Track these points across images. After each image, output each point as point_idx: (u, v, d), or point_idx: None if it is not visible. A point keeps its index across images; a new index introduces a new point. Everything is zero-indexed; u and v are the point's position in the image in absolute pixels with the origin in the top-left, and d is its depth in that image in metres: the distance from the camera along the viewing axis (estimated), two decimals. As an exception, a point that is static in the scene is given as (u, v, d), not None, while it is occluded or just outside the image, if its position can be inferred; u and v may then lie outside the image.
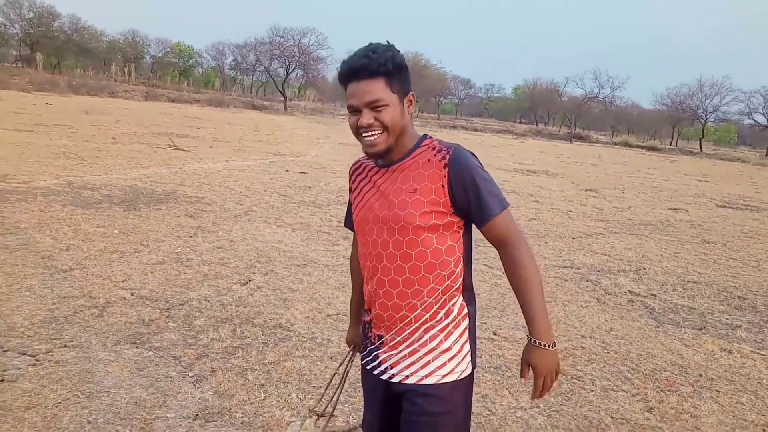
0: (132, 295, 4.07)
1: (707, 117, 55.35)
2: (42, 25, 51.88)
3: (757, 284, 6.10)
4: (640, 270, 6.26)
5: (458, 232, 1.54)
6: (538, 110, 71.92)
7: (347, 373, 1.93)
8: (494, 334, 4.04)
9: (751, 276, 6.46)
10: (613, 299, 5.15)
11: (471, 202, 1.48)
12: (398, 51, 1.53)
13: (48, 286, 4.04)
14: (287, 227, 6.63)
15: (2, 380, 2.80)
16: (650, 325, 4.58)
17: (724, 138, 76.10)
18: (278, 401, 2.89)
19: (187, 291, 4.26)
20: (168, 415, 2.67)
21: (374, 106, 1.47)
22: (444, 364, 1.54)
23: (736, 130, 76.35)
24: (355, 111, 1.50)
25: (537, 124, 68.03)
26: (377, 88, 1.47)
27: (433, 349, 1.54)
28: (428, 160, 1.50)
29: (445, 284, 1.54)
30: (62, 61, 54.64)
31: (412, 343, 1.55)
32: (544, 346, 1.47)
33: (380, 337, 1.62)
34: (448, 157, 1.48)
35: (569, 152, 30.20)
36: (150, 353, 3.25)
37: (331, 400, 1.94)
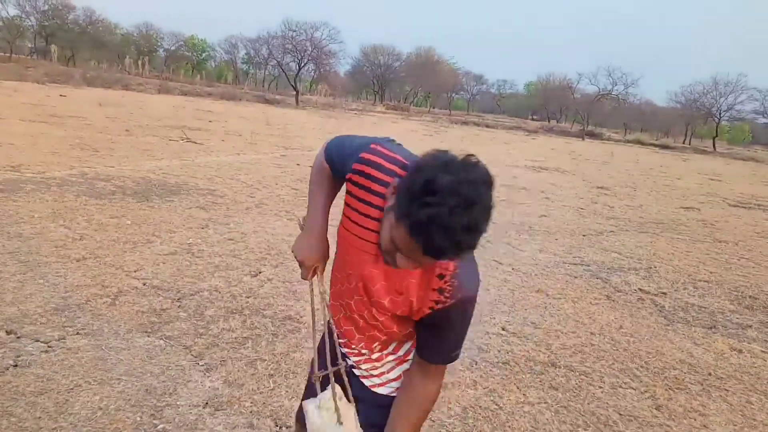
0: (144, 284, 4.11)
1: (721, 115, 54.85)
2: (57, 18, 52.43)
3: (770, 284, 6.05)
4: (650, 268, 6.23)
5: None
6: (551, 107, 71.56)
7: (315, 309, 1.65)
8: (503, 329, 4.05)
9: (762, 276, 6.41)
10: (623, 297, 5.13)
11: (422, 335, 1.38)
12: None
13: (61, 274, 4.09)
14: (298, 220, 6.65)
15: (16, 365, 2.84)
16: (660, 323, 4.56)
17: (738, 137, 75.29)
18: (287, 391, 2.91)
19: (198, 282, 4.29)
20: (178, 403, 2.71)
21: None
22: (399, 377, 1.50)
23: (750, 129, 75.56)
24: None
25: (549, 121, 67.71)
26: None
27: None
28: (428, 283, 1.28)
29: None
30: (77, 54, 55.13)
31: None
32: None
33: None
34: (446, 303, 1.27)
35: (581, 149, 30.01)
36: (161, 342, 3.29)
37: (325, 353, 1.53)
